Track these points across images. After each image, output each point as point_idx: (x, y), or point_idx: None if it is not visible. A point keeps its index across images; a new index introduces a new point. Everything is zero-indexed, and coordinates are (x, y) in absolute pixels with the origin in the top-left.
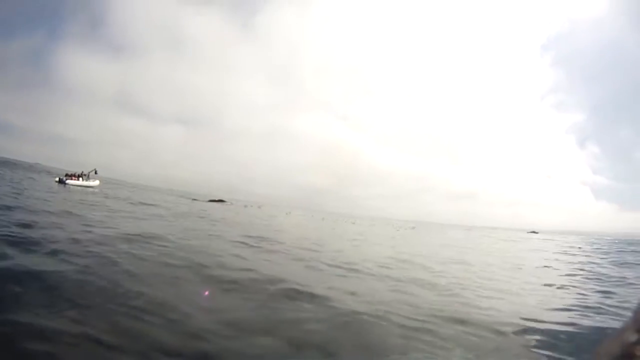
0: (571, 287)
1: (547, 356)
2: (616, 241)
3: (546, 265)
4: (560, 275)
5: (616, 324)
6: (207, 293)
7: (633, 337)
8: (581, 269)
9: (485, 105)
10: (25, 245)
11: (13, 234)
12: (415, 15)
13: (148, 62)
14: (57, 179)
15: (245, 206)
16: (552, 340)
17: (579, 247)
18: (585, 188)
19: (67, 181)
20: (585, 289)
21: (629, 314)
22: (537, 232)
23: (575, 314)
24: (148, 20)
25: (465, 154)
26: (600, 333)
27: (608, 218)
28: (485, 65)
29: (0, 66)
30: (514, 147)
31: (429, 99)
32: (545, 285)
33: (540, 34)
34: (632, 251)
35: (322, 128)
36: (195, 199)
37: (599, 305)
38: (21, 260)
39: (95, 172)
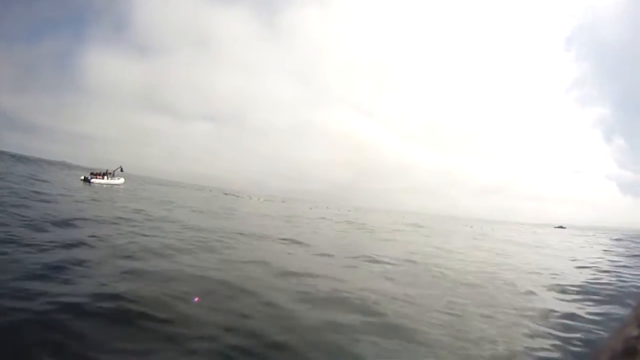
0: None
1: None
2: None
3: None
4: None
5: None
6: None
7: (635, 332)
8: None
9: (511, 99)
10: None
11: None
12: (440, 9)
13: (173, 61)
14: (82, 177)
15: (261, 200)
16: None
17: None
18: (611, 183)
19: (92, 180)
20: None
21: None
22: (564, 227)
23: None
24: (172, 20)
25: (491, 148)
26: None
27: (635, 213)
28: (510, 58)
29: (28, 69)
30: (540, 142)
31: (455, 93)
32: None
33: (564, 26)
34: None
35: (346, 124)
36: (226, 194)
37: None
38: None
39: (121, 170)
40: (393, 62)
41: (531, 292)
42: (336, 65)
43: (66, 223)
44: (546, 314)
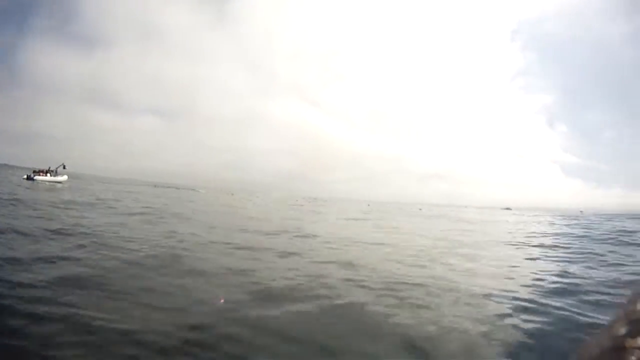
0: None
1: None
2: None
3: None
4: None
5: None
6: None
7: (623, 329)
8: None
9: (456, 87)
10: None
11: None
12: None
13: (121, 54)
14: (25, 176)
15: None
16: None
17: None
18: (555, 166)
19: (35, 177)
20: None
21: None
22: (510, 209)
23: None
24: (120, 11)
25: (437, 134)
26: None
27: (578, 195)
28: (456, 47)
29: None
30: (486, 128)
31: (402, 81)
32: None
33: (511, 19)
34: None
35: (294, 113)
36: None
37: None
38: None
39: (64, 167)
40: (339, 51)
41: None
42: (284, 53)
43: None
44: None
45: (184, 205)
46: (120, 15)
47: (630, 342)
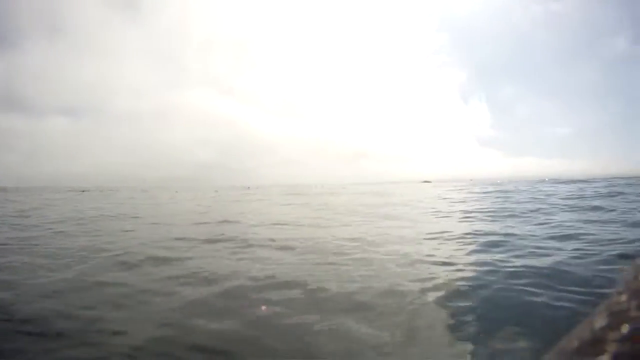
0: None
1: None
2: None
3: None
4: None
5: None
6: None
7: (603, 321)
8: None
9: (372, 66)
10: None
11: None
12: None
13: (26, 54)
14: None
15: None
16: None
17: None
18: (471, 139)
19: None
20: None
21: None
22: (430, 182)
23: None
24: (22, 8)
25: (355, 114)
26: None
27: (493, 165)
28: (372, 28)
29: None
30: (405, 106)
31: (316, 64)
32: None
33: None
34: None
35: (210, 103)
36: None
37: None
38: None
39: None
40: (252, 38)
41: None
42: (197, 43)
43: None
44: None
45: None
46: (24, 12)
47: (609, 335)
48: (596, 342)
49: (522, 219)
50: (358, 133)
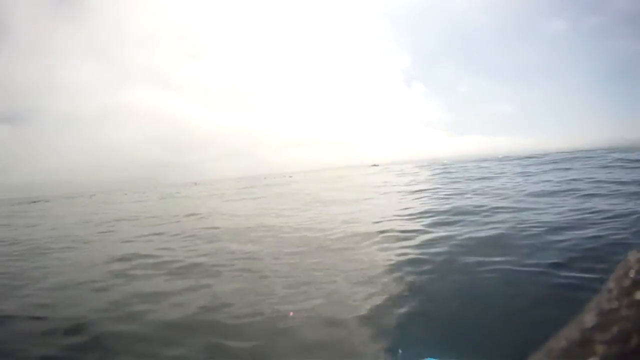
0: None
1: None
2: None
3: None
4: None
5: None
6: None
7: (592, 322)
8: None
9: (316, 55)
10: None
11: None
12: None
13: None
14: None
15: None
16: None
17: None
18: (417, 121)
19: None
20: None
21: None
22: (378, 165)
23: None
24: None
25: (299, 103)
26: None
27: (439, 145)
28: (314, 16)
29: None
30: (348, 92)
31: (256, 55)
32: None
33: None
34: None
35: (153, 100)
36: None
37: None
38: None
39: None
40: (192, 30)
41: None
42: (136, 38)
43: None
44: None
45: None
46: None
47: (598, 336)
48: (585, 343)
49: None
50: (304, 121)
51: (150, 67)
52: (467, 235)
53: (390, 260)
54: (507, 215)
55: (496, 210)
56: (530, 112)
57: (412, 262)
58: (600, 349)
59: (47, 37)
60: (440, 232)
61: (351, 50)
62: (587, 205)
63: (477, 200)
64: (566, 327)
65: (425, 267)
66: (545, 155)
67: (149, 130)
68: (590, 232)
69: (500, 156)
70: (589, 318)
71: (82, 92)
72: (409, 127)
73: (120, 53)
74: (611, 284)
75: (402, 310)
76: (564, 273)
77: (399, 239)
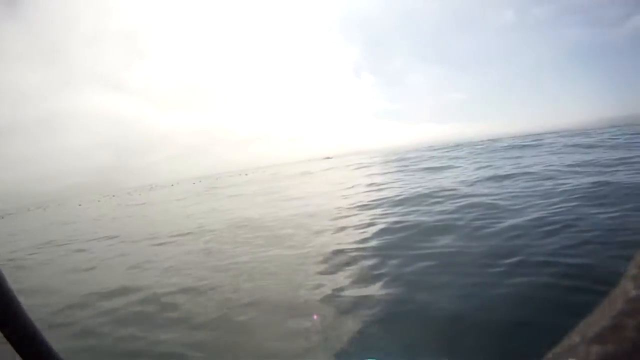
0: None
1: None
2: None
3: None
4: None
5: None
6: None
7: (621, 307)
8: None
9: (266, 50)
10: None
11: None
12: None
13: None
14: None
15: None
16: None
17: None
18: (367, 112)
19: None
20: None
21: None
22: (331, 158)
23: None
24: None
25: (251, 99)
26: None
27: (392, 135)
28: (263, 11)
29: None
30: (298, 86)
31: (208, 52)
32: None
33: None
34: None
35: (102, 102)
36: None
37: None
38: None
39: None
40: (142, 27)
41: None
42: (82, 38)
43: None
44: None
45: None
46: None
47: (628, 322)
48: (617, 329)
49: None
50: (257, 117)
51: (98, 68)
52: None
53: None
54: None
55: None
56: (481, 100)
57: None
58: (632, 333)
59: None
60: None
61: (301, 43)
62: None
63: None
64: (594, 312)
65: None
66: (496, 140)
67: (100, 134)
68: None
69: (451, 144)
70: (618, 304)
71: (26, 96)
72: (360, 118)
73: (65, 53)
74: (634, 271)
75: None
76: None
77: None
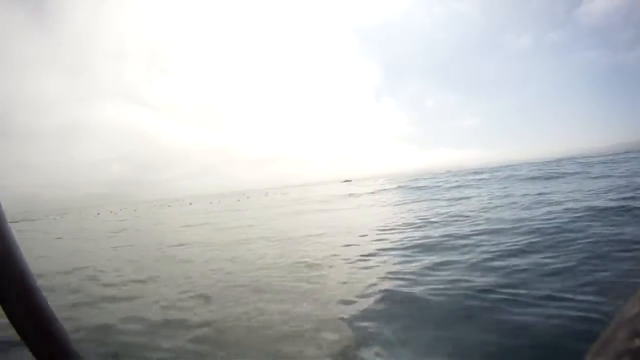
0: None
1: None
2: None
3: None
4: None
5: None
6: None
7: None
8: None
9: (287, 71)
10: None
11: None
12: None
13: None
14: None
15: None
16: None
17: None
18: (388, 136)
19: None
20: None
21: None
22: (350, 181)
23: None
24: None
25: (270, 118)
26: None
27: (409, 159)
28: (286, 33)
29: None
30: (320, 107)
31: (227, 72)
32: None
33: (343, 13)
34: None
35: (121, 116)
36: None
37: None
38: None
39: None
40: (166, 44)
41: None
42: (107, 51)
43: None
44: None
45: None
46: None
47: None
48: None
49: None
50: (276, 137)
51: (121, 81)
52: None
53: None
54: None
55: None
56: (497, 125)
57: None
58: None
59: (17, 47)
60: None
61: (321, 66)
62: None
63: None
64: (616, 318)
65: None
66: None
67: (116, 147)
68: None
69: (471, 170)
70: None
71: (48, 106)
72: (380, 141)
73: (89, 65)
74: None
75: None
76: None
77: None
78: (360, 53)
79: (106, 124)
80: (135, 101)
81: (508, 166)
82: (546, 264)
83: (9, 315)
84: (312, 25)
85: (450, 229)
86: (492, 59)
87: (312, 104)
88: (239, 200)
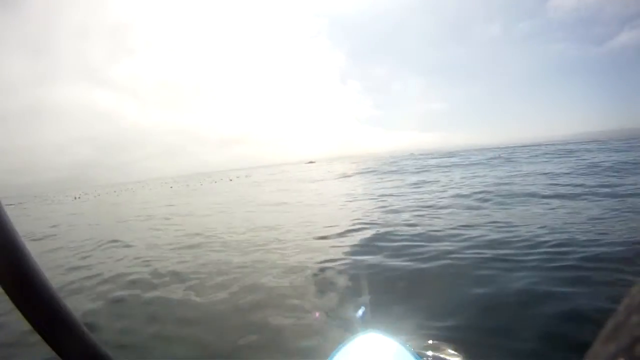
0: None
1: None
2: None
3: None
4: None
5: None
6: None
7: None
8: None
9: (253, 52)
10: None
11: None
12: None
13: None
14: None
15: None
16: None
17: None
18: (351, 118)
19: None
20: None
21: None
22: (314, 162)
23: None
24: None
25: (236, 100)
26: None
27: (375, 141)
28: (251, 14)
29: None
30: (285, 89)
31: (192, 51)
32: None
33: None
34: None
35: (85, 98)
36: None
37: None
38: None
39: None
40: (129, 23)
41: None
42: (70, 31)
43: None
44: None
45: None
46: None
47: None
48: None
49: None
50: (241, 118)
51: (85, 62)
52: None
53: None
54: None
55: None
56: (465, 110)
57: None
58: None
59: None
60: None
61: (287, 47)
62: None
63: None
64: (608, 328)
65: None
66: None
67: (79, 130)
68: None
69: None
70: (635, 318)
71: (7, 88)
72: (345, 123)
73: (51, 46)
74: None
75: None
76: None
77: None
78: (328, 35)
79: (68, 105)
80: (100, 82)
81: (466, 150)
82: None
83: (33, 323)
84: (280, 6)
85: None
86: (462, 46)
87: (278, 85)
88: (201, 184)
